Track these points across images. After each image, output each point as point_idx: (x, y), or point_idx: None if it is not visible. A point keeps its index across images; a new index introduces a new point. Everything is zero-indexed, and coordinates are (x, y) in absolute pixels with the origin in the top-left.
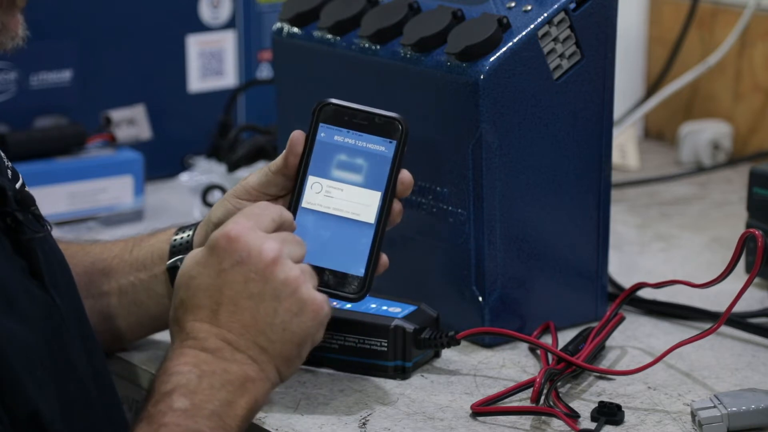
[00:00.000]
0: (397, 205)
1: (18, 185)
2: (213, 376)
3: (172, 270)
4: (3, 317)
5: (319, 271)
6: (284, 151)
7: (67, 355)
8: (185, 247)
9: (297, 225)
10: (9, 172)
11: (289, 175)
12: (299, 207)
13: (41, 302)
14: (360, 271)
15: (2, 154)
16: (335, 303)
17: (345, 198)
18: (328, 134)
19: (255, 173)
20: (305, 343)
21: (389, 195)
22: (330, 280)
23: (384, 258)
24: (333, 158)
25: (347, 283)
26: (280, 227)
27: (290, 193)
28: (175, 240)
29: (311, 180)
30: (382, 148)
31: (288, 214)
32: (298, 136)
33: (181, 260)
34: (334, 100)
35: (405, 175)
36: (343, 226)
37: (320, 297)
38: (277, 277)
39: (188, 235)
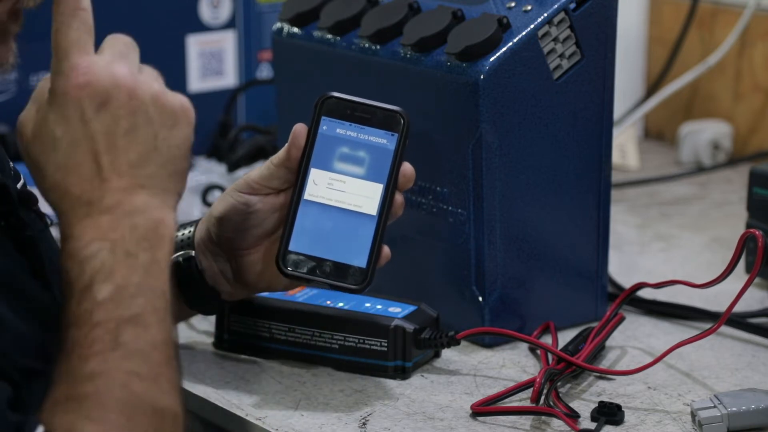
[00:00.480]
0: (398, 198)
1: (20, 185)
2: (124, 242)
3: (174, 266)
4: (2, 308)
5: (320, 261)
6: (287, 144)
7: None
8: (186, 244)
9: (299, 217)
10: (11, 172)
11: (292, 168)
12: (301, 199)
13: (42, 301)
14: (362, 262)
15: (5, 153)
16: (328, 302)
17: (347, 190)
18: (330, 127)
19: (257, 167)
20: (188, 149)
21: (391, 187)
22: (332, 272)
23: (386, 249)
24: (335, 151)
25: (349, 275)
26: (91, 32)
27: (293, 186)
28: (176, 236)
29: (313, 172)
30: (384, 140)
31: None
32: (300, 128)
33: (182, 257)
34: (336, 94)
35: (407, 167)
36: (345, 217)
37: (182, 97)
38: (142, 100)
39: (189, 231)
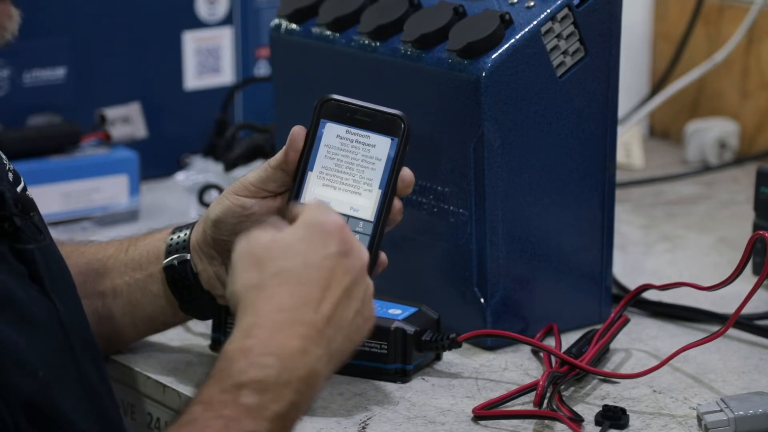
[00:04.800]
0: (397, 204)
1: (19, 189)
2: (290, 372)
3: (168, 269)
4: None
5: None
6: (284, 147)
7: (72, 359)
8: (182, 246)
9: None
10: (10, 175)
11: (289, 171)
12: (298, 203)
13: (42, 306)
14: None
15: (3, 156)
16: None
17: (344, 194)
18: (329, 130)
19: (254, 170)
20: (355, 349)
21: (389, 193)
22: None
23: (383, 257)
24: (333, 154)
25: None
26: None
27: (289, 189)
28: (171, 239)
29: (311, 176)
30: (384, 145)
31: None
32: (298, 131)
33: (177, 259)
34: (336, 96)
35: (406, 173)
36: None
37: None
38: (365, 280)
39: (185, 234)
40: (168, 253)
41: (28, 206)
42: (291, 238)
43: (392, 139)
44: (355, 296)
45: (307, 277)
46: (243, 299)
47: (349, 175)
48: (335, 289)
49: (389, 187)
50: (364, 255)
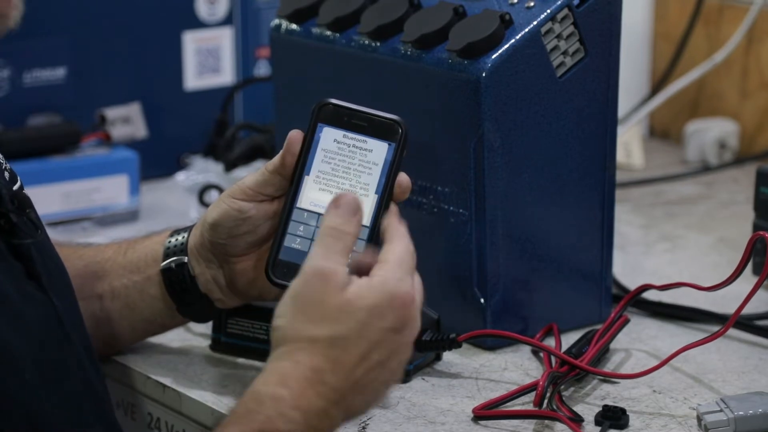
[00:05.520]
0: (393, 209)
1: (16, 187)
2: (311, 431)
3: (166, 272)
4: None
5: None
6: (281, 151)
7: (73, 357)
8: (179, 249)
9: (291, 225)
10: (7, 174)
11: (286, 175)
12: (294, 207)
13: (38, 303)
14: None
15: (0, 156)
16: None
17: None
18: (326, 134)
19: (252, 173)
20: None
21: (386, 198)
22: None
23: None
24: (330, 159)
25: None
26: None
27: (286, 193)
28: (169, 242)
29: (307, 180)
30: (381, 150)
31: None
32: (295, 135)
33: (174, 262)
34: (333, 100)
35: (403, 178)
36: None
37: None
38: (406, 354)
39: (183, 237)
40: (165, 256)
41: (24, 203)
42: (359, 305)
43: (389, 144)
44: (388, 368)
45: (353, 346)
46: (289, 343)
47: (346, 180)
48: (372, 359)
49: (386, 192)
50: (415, 331)
